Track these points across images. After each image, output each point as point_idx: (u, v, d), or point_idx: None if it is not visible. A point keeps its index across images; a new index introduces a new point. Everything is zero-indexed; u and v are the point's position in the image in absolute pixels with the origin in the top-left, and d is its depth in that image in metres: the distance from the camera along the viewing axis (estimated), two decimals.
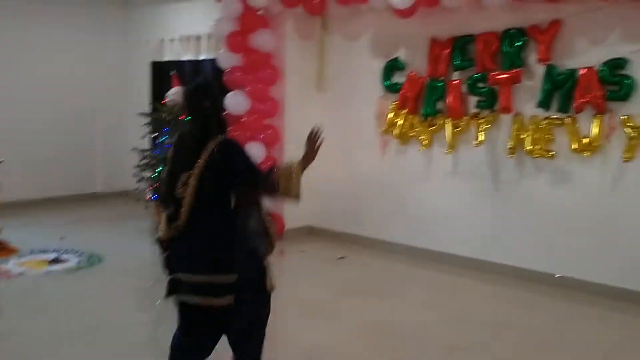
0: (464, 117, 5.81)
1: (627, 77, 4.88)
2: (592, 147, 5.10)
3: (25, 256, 5.86)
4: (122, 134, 9.16)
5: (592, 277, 5.18)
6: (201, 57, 8.03)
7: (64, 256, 5.91)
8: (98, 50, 9.01)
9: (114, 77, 9.19)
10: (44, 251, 6.03)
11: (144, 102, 8.51)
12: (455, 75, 5.85)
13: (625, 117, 4.93)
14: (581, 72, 5.05)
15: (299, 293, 5.16)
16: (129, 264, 6.01)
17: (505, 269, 5.65)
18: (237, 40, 6.58)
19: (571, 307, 4.93)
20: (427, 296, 5.20)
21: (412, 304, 4.99)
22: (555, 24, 5.21)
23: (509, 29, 5.45)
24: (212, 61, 7.61)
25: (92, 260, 5.86)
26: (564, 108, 5.21)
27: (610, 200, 5.10)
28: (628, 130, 4.92)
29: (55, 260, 5.75)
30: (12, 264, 5.59)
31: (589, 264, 5.23)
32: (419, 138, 6.14)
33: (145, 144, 7.89)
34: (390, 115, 6.34)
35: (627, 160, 4.94)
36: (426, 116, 6.02)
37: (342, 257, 6.26)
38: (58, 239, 6.54)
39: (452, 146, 5.91)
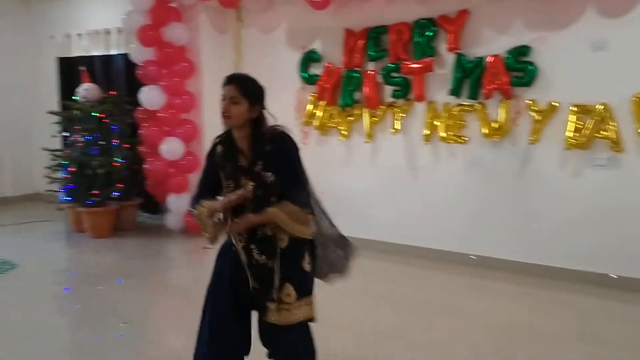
0: (381, 107, 5.95)
1: (531, 63, 5.16)
2: (501, 132, 5.36)
3: None
4: (30, 134, 8.75)
5: (507, 256, 5.46)
6: (112, 52, 7.77)
7: None
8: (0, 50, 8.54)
9: (18, 75, 8.73)
10: None
11: (53, 100, 8.16)
12: (371, 66, 5.97)
13: (530, 101, 5.21)
14: (488, 59, 5.30)
15: None
16: (44, 268, 5.76)
17: (425, 251, 5.85)
18: (149, 34, 6.44)
19: (488, 284, 5.18)
20: (351, 282, 5.28)
21: (336, 292, 5.06)
22: (463, 13, 5.43)
23: (420, 19, 5.62)
24: (124, 56, 7.43)
25: (4, 267, 5.57)
26: (473, 95, 5.44)
27: (520, 181, 5.39)
28: (533, 114, 5.20)
29: None
30: None
31: (504, 243, 5.50)
32: (339, 128, 6.23)
33: (56, 143, 7.58)
34: (309, 106, 6.40)
35: (533, 142, 5.24)
36: (344, 107, 6.11)
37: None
38: None
39: (371, 135, 6.04)
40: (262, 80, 7.09)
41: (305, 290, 2.83)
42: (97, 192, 6.62)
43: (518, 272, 5.34)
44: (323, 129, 6.35)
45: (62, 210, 7.20)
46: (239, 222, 2.69)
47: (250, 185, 2.69)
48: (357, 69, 5.99)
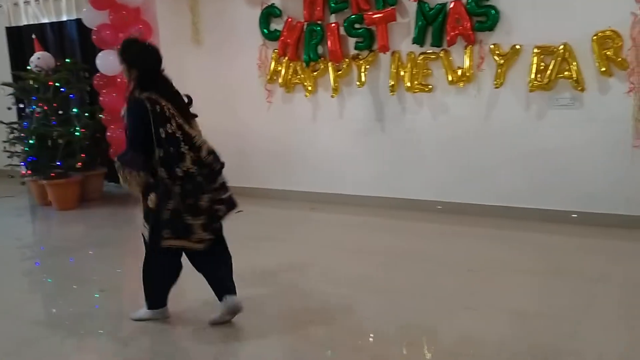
0: (345, 60, 5.89)
1: (493, 7, 5.15)
2: (466, 78, 5.38)
3: None
4: None
5: (475, 200, 5.55)
6: (64, 18, 7.48)
7: None
8: None
9: None
10: None
11: (5, 71, 7.86)
12: (333, 18, 5.88)
13: (493, 45, 5.22)
14: (450, 6, 5.27)
15: None
16: (11, 244, 5.63)
17: (396, 202, 5.90)
18: None
19: (459, 230, 5.27)
20: (326, 237, 5.32)
21: (312, 246, 5.10)
22: None
23: None
24: (77, 21, 7.17)
25: None
26: (437, 42, 5.42)
27: (486, 124, 5.43)
28: (496, 58, 5.22)
29: None
30: None
31: (471, 188, 5.59)
32: (304, 84, 6.16)
33: (12, 116, 7.33)
34: (273, 63, 6.30)
35: (498, 86, 5.27)
36: (308, 62, 6.03)
37: (240, 211, 6.22)
38: None
39: (337, 90, 5.99)
40: (222, 39, 6.98)
41: (145, 218, 3.42)
42: (59, 163, 6.46)
43: (484, 215, 5.45)
44: (288, 86, 6.27)
45: (25, 185, 7.02)
46: None
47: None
48: (318, 22, 5.90)
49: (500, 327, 3.41)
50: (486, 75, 5.33)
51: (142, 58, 3.34)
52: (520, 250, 4.69)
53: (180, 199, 3.29)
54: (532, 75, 5.09)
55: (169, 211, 3.29)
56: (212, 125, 6.78)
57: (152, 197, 3.32)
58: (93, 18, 6.40)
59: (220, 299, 3.50)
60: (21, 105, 7.05)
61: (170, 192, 3.29)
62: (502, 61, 5.20)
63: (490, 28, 5.19)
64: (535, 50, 5.05)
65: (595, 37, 4.83)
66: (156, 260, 3.51)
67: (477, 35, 5.26)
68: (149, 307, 3.62)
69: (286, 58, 6.17)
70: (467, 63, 5.34)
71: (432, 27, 5.39)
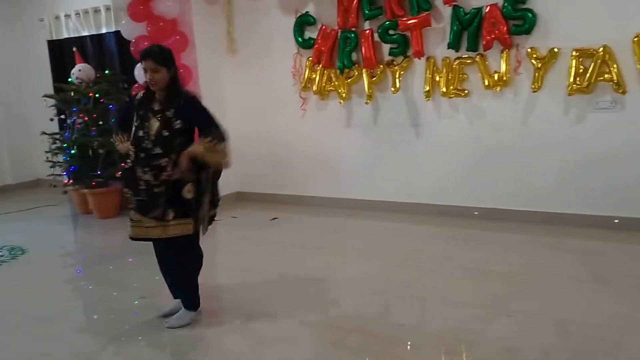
0: (379, 66, 5.87)
1: (529, 10, 5.08)
2: (503, 82, 5.31)
3: None
4: (26, 120, 8.68)
5: (515, 206, 5.46)
6: (103, 31, 7.66)
7: None
8: None
9: (10, 60, 8.63)
10: None
11: (47, 83, 8.08)
12: (366, 25, 5.88)
13: (530, 49, 5.15)
14: (486, 10, 5.21)
15: (235, 257, 5.15)
16: (54, 252, 5.77)
17: (433, 208, 5.85)
18: (139, 9, 6.31)
19: (498, 236, 5.19)
20: (363, 244, 5.31)
21: (350, 253, 5.09)
22: None
23: None
24: (116, 34, 7.33)
25: (14, 253, 5.57)
26: (473, 47, 5.37)
27: (524, 130, 5.35)
28: (534, 62, 5.14)
29: None
30: None
31: (508, 194, 5.50)
32: (338, 91, 6.17)
33: (54, 127, 7.53)
34: (307, 71, 6.33)
35: (536, 90, 5.19)
36: (342, 69, 6.04)
37: (275, 218, 6.27)
38: None
39: (371, 96, 5.98)
40: (256, 48, 7.09)
41: (183, 213, 3.50)
42: (100, 172, 6.59)
43: (523, 221, 5.37)
44: (322, 93, 6.29)
45: (67, 194, 7.19)
46: (183, 159, 3.36)
47: (156, 124, 3.40)
48: (353, 29, 5.91)
49: (542, 336, 3.33)
50: (523, 79, 5.25)
51: (174, 59, 3.53)
52: (561, 257, 4.59)
53: (207, 185, 3.52)
54: (571, 79, 4.99)
55: (207, 198, 3.54)
56: (247, 134, 6.93)
57: (189, 187, 3.43)
58: (131, 30, 6.52)
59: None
60: (63, 116, 7.22)
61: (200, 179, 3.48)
62: (539, 65, 5.12)
63: (527, 31, 5.11)
64: (574, 53, 4.96)
65: (635, 39, 4.72)
66: (198, 254, 3.73)
67: (513, 39, 5.19)
68: (195, 308, 3.73)
69: (320, 65, 6.19)
70: (503, 67, 5.27)
71: (468, 32, 5.35)
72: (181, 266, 3.69)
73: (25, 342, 3.71)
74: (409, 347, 3.35)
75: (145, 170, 3.42)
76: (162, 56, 3.42)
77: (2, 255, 5.50)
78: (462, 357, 3.21)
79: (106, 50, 7.68)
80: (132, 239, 3.65)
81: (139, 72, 6.46)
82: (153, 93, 3.48)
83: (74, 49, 7.45)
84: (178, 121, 3.42)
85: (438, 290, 4.08)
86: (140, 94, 3.57)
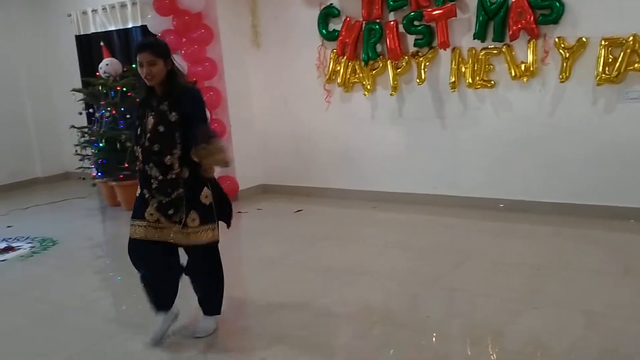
0: (404, 57, 5.85)
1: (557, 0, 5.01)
2: (530, 72, 5.24)
3: None
4: (55, 114, 8.83)
5: (542, 198, 5.41)
6: (129, 25, 7.74)
7: (15, 244, 5.73)
8: (17, 31, 8.55)
9: (39, 56, 8.77)
10: None
11: (75, 77, 8.20)
12: (391, 16, 5.85)
13: (558, 39, 5.07)
14: None
15: (260, 249, 5.19)
16: (84, 243, 5.89)
17: (458, 200, 5.81)
18: (165, 3, 6.36)
19: (525, 228, 5.15)
20: (388, 236, 5.30)
21: (375, 245, 5.09)
22: None
23: None
24: (142, 28, 7.41)
25: (45, 244, 5.69)
26: (499, 37, 5.31)
27: (551, 120, 5.29)
28: (561, 51, 5.07)
29: (7, 249, 5.57)
30: None
31: (535, 185, 5.45)
32: (363, 83, 6.16)
33: (83, 120, 7.65)
34: (331, 63, 6.32)
35: (563, 80, 5.12)
36: (367, 61, 6.02)
37: (299, 210, 6.30)
38: (5, 228, 6.33)
39: (396, 87, 5.96)
40: (281, 41, 7.10)
41: (207, 218, 3.29)
42: (127, 165, 6.69)
43: (550, 213, 5.31)
44: (346, 85, 6.28)
45: (95, 186, 7.31)
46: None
47: (151, 120, 3.20)
48: (377, 20, 5.88)
49: (569, 328, 3.31)
50: (551, 70, 5.18)
51: (170, 51, 3.30)
52: (589, 249, 4.54)
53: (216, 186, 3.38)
54: (600, 69, 4.91)
55: (219, 201, 3.38)
56: (272, 127, 6.97)
57: (205, 192, 3.27)
58: (157, 24, 6.58)
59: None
60: (91, 110, 7.33)
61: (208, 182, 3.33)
62: (567, 54, 5.04)
63: (555, 21, 5.03)
64: (603, 43, 4.87)
65: None
66: (220, 259, 3.51)
67: (540, 29, 5.12)
68: (220, 312, 3.57)
69: (345, 57, 6.18)
70: (530, 57, 5.20)
71: (494, 22, 5.28)
72: (212, 273, 3.49)
73: (57, 331, 3.80)
74: (434, 338, 3.35)
75: (151, 166, 3.22)
76: (159, 48, 3.21)
77: (33, 247, 5.63)
78: (488, 349, 3.20)
79: (132, 45, 7.76)
80: (135, 239, 3.35)
81: None
82: (153, 90, 3.25)
83: (101, 43, 7.55)
84: (173, 113, 3.17)
85: (464, 283, 4.07)
86: (142, 95, 3.36)
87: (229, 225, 3.50)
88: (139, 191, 3.36)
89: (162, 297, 3.47)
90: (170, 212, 3.25)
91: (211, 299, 3.54)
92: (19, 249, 5.58)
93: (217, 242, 3.38)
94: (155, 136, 3.19)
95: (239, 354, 3.34)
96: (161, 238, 3.31)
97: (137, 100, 3.46)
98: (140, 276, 3.45)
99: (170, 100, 3.19)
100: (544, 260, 4.34)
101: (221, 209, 3.37)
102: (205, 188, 3.27)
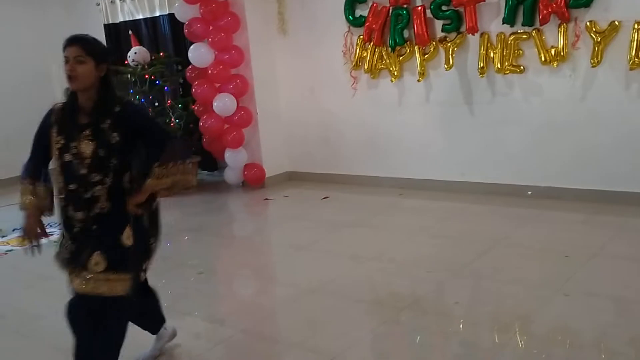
0: (432, 43, 5.80)
1: None
2: (560, 57, 5.16)
3: (8, 235, 5.78)
4: None
5: (571, 184, 5.34)
6: (157, 14, 7.80)
7: (49, 229, 5.82)
8: (48, 21, 8.68)
9: None
10: None
11: None
12: (418, 2, 5.79)
13: (589, 22, 4.98)
14: None
15: (288, 235, 5.22)
16: None
17: (486, 187, 5.77)
18: None
19: (554, 215, 5.09)
20: (416, 223, 5.29)
21: (402, 232, 5.09)
22: None
23: None
24: (169, 16, 7.46)
25: None
26: (529, 21, 5.23)
27: (582, 105, 5.20)
28: (593, 35, 4.98)
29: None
30: None
31: (564, 172, 5.38)
32: (389, 69, 6.12)
33: None
34: (358, 50, 6.30)
35: (595, 65, 5.03)
36: (394, 46, 5.98)
37: (326, 197, 6.32)
38: None
39: (423, 73, 5.91)
40: (307, 28, 7.03)
41: (118, 265, 2.63)
42: None
43: (580, 200, 5.23)
44: (373, 71, 6.25)
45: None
46: (136, 204, 2.65)
47: (90, 143, 2.57)
48: (404, 5, 5.82)
49: (600, 315, 3.28)
50: (582, 54, 5.09)
51: (107, 55, 2.72)
52: (619, 236, 4.47)
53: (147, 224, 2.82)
54: (633, 53, 4.80)
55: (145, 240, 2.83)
56: (298, 114, 6.97)
57: (127, 232, 2.66)
58: (185, 12, 6.62)
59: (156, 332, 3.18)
60: None
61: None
62: (599, 39, 4.95)
63: (586, 4, 4.94)
64: (636, 26, 4.76)
65: None
66: (125, 327, 2.79)
67: (571, 12, 5.02)
68: None
69: (371, 44, 6.15)
70: (561, 42, 5.12)
71: (524, 6, 5.20)
72: (102, 340, 2.67)
73: None
74: (461, 325, 3.35)
75: (77, 207, 2.60)
76: (91, 45, 2.60)
77: None
78: (516, 336, 3.18)
79: (160, 33, 7.83)
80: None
81: (193, 54, 6.58)
82: (75, 101, 2.63)
83: (130, 32, 7.62)
84: (114, 134, 2.59)
85: (492, 269, 4.05)
86: (58, 105, 2.70)
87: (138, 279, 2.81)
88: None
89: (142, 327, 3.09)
90: (79, 256, 2.64)
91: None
92: (53, 234, 5.68)
93: (122, 297, 2.66)
94: (95, 163, 2.58)
95: (268, 340, 3.38)
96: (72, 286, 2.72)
97: (46, 113, 2.72)
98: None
99: (110, 117, 2.60)
100: (573, 247, 4.29)
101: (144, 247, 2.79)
102: (128, 227, 2.66)
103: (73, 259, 2.65)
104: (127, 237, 2.65)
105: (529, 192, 5.55)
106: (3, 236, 5.76)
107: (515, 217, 5.16)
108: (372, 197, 6.21)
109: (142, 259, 2.81)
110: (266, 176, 6.86)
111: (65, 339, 2.70)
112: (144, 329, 3.13)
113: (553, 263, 4.05)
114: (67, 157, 2.61)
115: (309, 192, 6.59)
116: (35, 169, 2.72)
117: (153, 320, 3.16)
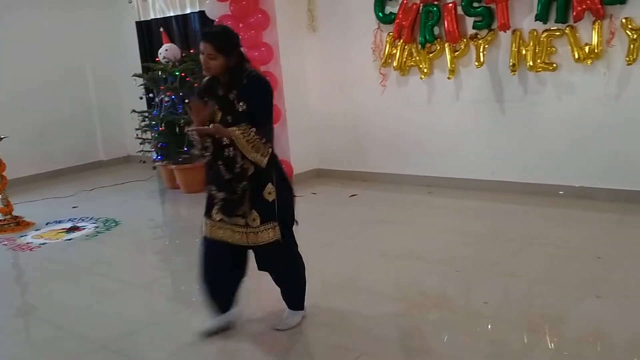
0: (463, 40, 5.74)
1: None
2: (594, 55, 5.07)
3: (42, 228, 5.91)
4: (118, 99, 9.09)
5: (604, 184, 5.25)
6: (187, 11, 7.87)
7: (81, 224, 5.96)
8: (83, 18, 8.82)
9: (102, 42, 9.02)
10: (59, 221, 6.09)
11: (136, 63, 8.41)
12: None
13: (625, 19, 4.88)
14: None
15: (316, 232, 5.22)
16: (145, 224, 6.08)
17: (517, 186, 5.70)
18: None
19: (587, 215, 5.00)
20: (445, 222, 5.25)
21: (431, 231, 5.05)
22: None
23: None
24: (200, 13, 7.52)
25: (108, 224, 5.90)
26: (562, 18, 5.14)
27: (616, 104, 5.10)
28: (628, 32, 4.87)
29: (73, 229, 5.80)
30: (30, 237, 5.64)
31: (599, 172, 5.28)
32: (419, 67, 6.08)
33: (143, 105, 7.85)
34: (387, 47, 6.27)
35: (630, 63, 4.92)
36: (424, 43, 5.94)
37: (354, 195, 6.31)
38: (70, 209, 6.59)
39: (453, 71, 5.86)
40: (337, 25, 6.99)
41: (268, 216, 3.12)
42: (186, 149, 6.83)
43: (613, 200, 5.14)
44: (402, 69, 6.22)
45: (155, 169, 7.51)
46: (211, 127, 3.01)
47: (219, 110, 3.06)
48: (435, 2, 5.78)
49: (633, 318, 3.21)
50: (617, 52, 4.99)
51: (237, 44, 3.12)
52: None
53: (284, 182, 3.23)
54: None
55: (286, 197, 3.22)
56: (327, 111, 6.97)
57: (269, 188, 3.11)
58: (215, 10, 6.66)
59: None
60: (151, 95, 7.51)
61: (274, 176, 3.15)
62: (635, 36, 4.84)
63: (622, 1, 4.84)
64: None
65: None
66: (297, 253, 3.38)
67: (606, 9, 4.93)
68: (303, 307, 3.47)
69: (401, 41, 6.11)
70: (595, 39, 5.02)
71: (557, 3, 5.12)
72: (283, 268, 3.34)
73: (122, 306, 3.95)
74: (490, 324, 3.31)
75: (219, 163, 3.08)
76: (221, 43, 2.99)
77: (97, 227, 5.84)
78: (546, 337, 3.14)
79: (191, 30, 7.90)
80: (206, 239, 3.26)
81: None
82: (217, 78, 3.10)
83: (161, 29, 7.70)
84: (241, 103, 3.03)
85: (523, 269, 4.00)
86: (205, 81, 3.20)
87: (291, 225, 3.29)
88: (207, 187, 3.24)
89: (216, 298, 3.36)
90: (234, 210, 3.11)
91: (289, 293, 3.43)
92: (84, 228, 5.81)
93: (279, 240, 3.17)
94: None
95: (297, 334, 3.39)
96: (223, 238, 3.18)
97: (196, 85, 3.41)
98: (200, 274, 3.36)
99: (237, 89, 3.03)
100: (607, 247, 4.22)
101: (285, 207, 3.20)
102: (270, 184, 3.11)
103: (227, 212, 3.11)
104: (269, 193, 3.10)
105: (561, 192, 5.47)
106: (37, 230, 5.88)
107: (547, 217, 5.08)
108: (401, 194, 6.18)
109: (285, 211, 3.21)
110: (294, 173, 6.87)
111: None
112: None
113: (586, 264, 3.99)
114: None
115: (337, 190, 6.58)
116: None
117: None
